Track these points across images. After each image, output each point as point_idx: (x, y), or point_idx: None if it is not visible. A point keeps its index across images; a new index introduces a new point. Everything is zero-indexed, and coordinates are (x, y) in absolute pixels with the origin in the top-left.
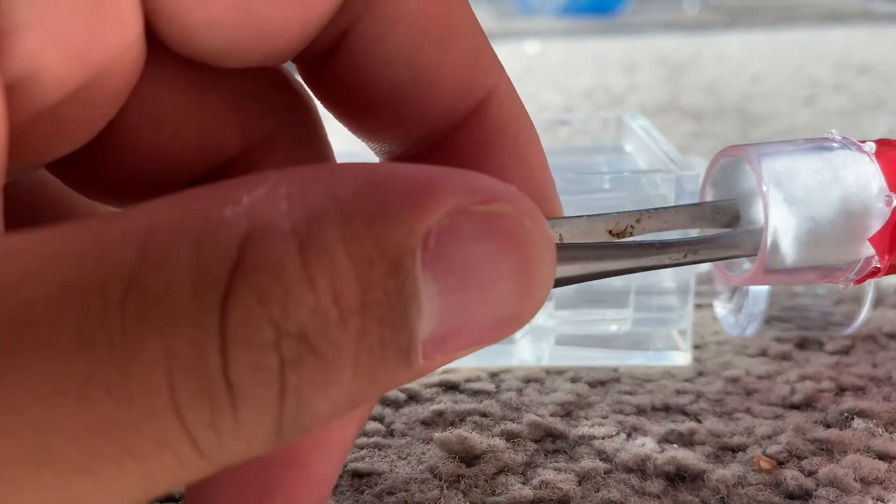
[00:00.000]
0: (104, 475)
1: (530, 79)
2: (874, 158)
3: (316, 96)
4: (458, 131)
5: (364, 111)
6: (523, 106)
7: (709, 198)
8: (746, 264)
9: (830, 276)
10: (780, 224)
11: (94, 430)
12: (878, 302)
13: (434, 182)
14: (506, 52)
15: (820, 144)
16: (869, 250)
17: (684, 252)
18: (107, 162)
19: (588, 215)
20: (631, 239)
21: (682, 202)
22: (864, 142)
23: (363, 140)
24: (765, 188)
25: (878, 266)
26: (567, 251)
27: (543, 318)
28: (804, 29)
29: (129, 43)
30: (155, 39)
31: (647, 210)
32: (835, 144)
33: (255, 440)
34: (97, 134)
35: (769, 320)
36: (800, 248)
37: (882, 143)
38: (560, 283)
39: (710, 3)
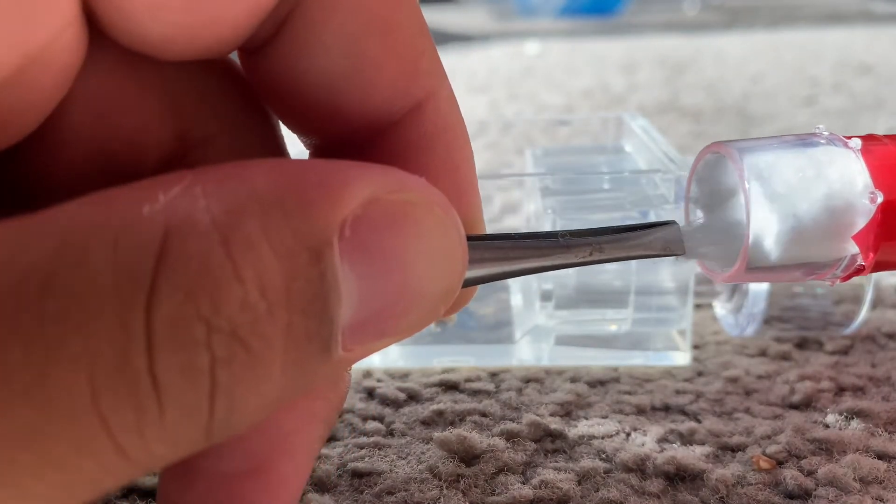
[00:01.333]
0: (20, 485)
1: (530, 79)
2: (860, 155)
3: (253, 85)
4: (390, 132)
5: (300, 102)
6: (461, 118)
7: (693, 193)
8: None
9: (816, 273)
10: (762, 221)
11: (9, 436)
12: (878, 302)
13: (348, 174)
14: (506, 52)
15: (805, 141)
16: (854, 247)
17: (589, 250)
18: (45, 158)
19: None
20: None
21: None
22: (850, 138)
23: (296, 133)
24: (746, 185)
25: (863, 264)
26: (476, 252)
27: (543, 318)
28: (804, 29)
29: (65, 24)
30: (96, 29)
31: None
32: (821, 141)
33: (183, 442)
34: (35, 128)
35: (769, 320)
36: (782, 245)
37: (868, 139)
38: (469, 283)
39: (710, 3)
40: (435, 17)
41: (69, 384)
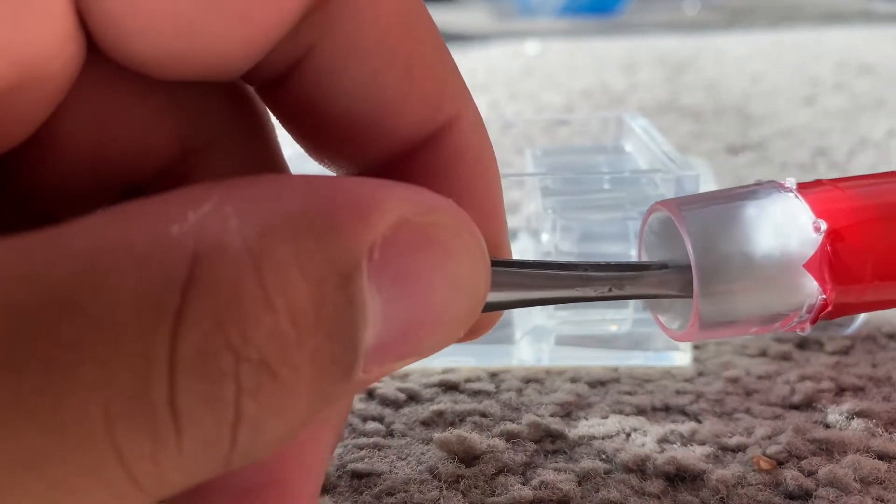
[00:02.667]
0: None
1: (530, 79)
2: (798, 194)
3: (273, 114)
4: (414, 155)
5: (321, 135)
6: (487, 142)
7: (644, 253)
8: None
9: (780, 320)
10: (711, 275)
11: (18, 460)
12: None
13: (378, 194)
14: (506, 52)
15: (745, 190)
16: (811, 283)
17: (609, 286)
18: (42, 164)
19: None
20: (558, 261)
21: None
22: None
23: (318, 161)
24: (690, 243)
25: (825, 297)
26: (497, 277)
27: (543, 318)
28: (804, 29)
29: (62, 41)
30: (92, 42)
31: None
32: (760, 189)
33: (200, 471)
34: (32, 134)
35: None
36: (735, 296)
37: (807, 184)
38: (490, 308)
39: (710, 3)
40: (435, 17)
41: (82, 411)
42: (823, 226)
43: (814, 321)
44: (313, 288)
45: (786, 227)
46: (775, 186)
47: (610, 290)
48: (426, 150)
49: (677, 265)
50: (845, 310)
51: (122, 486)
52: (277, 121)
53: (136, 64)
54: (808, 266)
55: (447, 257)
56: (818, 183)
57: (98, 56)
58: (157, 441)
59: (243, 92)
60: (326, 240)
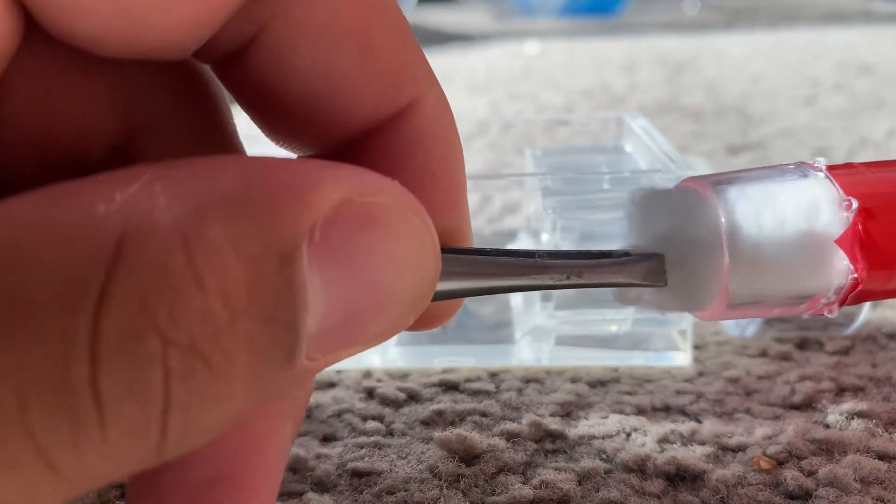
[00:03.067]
0: None
1: (530, 79)
2: (828, 174)
3: (229, 93)
4: (374, 137)
5: (277, 115)
6: (451, 126)
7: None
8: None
9: (807, 301)
10: (739, 253)
11: None
12: (878, 302)
13: (319, 174)
14: (506, 52)
15: (774, 169)
16: (841, 263)
17: (567, 274)
18: None
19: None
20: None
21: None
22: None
23: (275, 142)
24: (722, 219)
25: (856, 276)
26: (450, 265)
27: (543, 318)
28: (804, 29)
29: None
30: (32, 18)
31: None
32: (789, 167)
33: (130, 461)
34: None
35: (769, 320)
36: (766, 272)
37: (839, 165)
38: (440, 296)
39: (710, 3)
40: (435, 17)
41: None
42: (855, 203)
43: (842, 303)
44: (248, 269)
45: (816, 205)
46: (805, 166)
47: (568, 278)
48: (386, 132)
49: (641, 253)
50: (873, 295)
51: (40, 474)
52: (233, 98)
53: (78, 41)
54: (840, 242)
55: (391, 238)
56: (848, 165)
57: (39, 33)
58: (77, 428)
59: (196, 71)
60: (263, 219)
